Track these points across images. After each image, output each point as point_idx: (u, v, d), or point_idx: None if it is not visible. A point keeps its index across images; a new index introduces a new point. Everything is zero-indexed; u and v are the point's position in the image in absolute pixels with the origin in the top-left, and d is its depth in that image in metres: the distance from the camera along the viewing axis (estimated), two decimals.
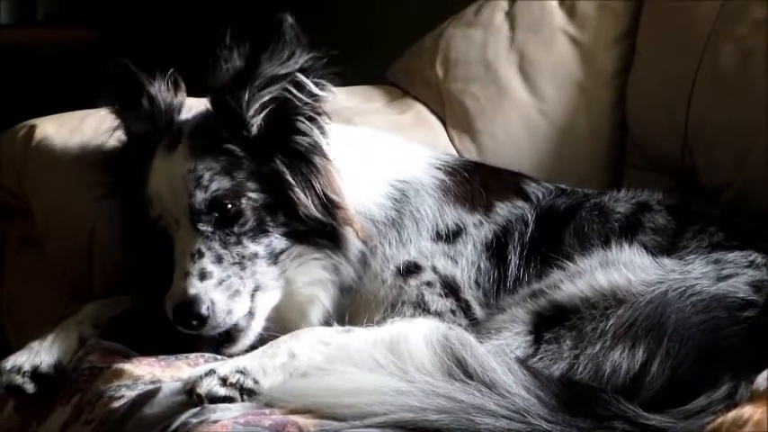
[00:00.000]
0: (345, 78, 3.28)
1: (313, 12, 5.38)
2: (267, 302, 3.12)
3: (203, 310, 2.99)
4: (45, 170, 3.55)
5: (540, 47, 3.93)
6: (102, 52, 6.19)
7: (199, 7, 6.21)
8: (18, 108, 4.09)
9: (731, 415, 2.28)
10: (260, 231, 3.10)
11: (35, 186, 3.57)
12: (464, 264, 3.22)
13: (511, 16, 3.98)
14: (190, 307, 2.99)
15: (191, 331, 3.02)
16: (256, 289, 3.10)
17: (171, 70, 3.29)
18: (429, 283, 3.18)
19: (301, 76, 3.12)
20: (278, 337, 2.99)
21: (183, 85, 3.31)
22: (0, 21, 6.50)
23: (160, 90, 3.27)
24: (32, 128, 3.60)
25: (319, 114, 3.17)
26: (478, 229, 3.27)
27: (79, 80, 5.99)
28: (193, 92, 3.32)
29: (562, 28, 3.94)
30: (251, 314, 3.09)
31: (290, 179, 3.12)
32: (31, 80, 6.38)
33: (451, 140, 3.89)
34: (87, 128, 3.56)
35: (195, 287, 3.01)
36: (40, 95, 5.19)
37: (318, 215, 3.12)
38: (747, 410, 2.27)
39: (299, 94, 3.13)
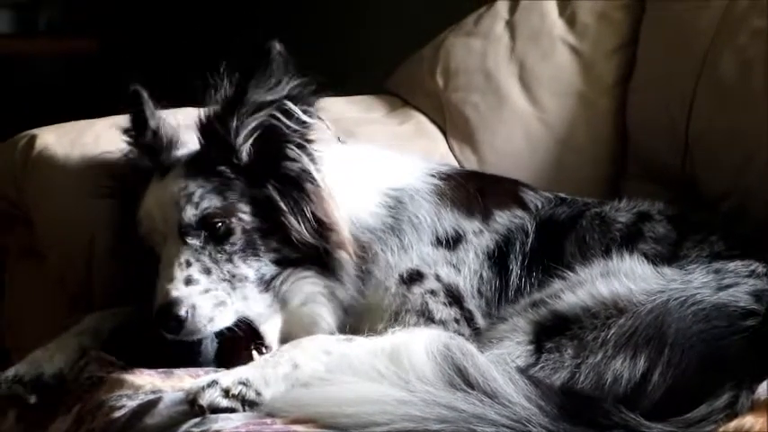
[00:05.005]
0: (343, 90, 3.28)
1: (313, 23, 5.40)
2: (272, 332, 3.13)
3: (182, 313, 2.98)
4: (45, 180, 3.54)
5: (541, 56, 3.94)
6: (103, 62, 6.20)
7: (200, 18, 6.21)
8: (19, 118, 4.09)
9: (732, 425, 2.29)
10: (251, 254, 3.11)
11: (35, 196, 3.57)
12: (467, 272, 3.22)
13: (511, 26, 3.98)
14: (169, 308, 2.99)
15: (172, 335, 3.01)
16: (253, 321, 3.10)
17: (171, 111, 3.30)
18: (433, 292, 3.18)
19: (289, 104, 3.13)
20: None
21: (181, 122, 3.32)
22: (1, 30, 6.50)
23: (162, 125, 3.29)
24: (33, 137, 3.59)
25: (309, 142, 3.18)
26: (479, 238, 3.27)
27: (81, 90, 6.03)
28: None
29: (562, 38, 3.94)
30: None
31: (282, 205, 3.12)
32: (32, 90, 6.38)
33: (452, 150, 3.89)
34: (88, 138, 3.56)
35: (179, 290, 3.00)
36: (41, 105, 5.20)
37: (311, 239, 3.13)
38: (749, 420, 2.28)
39: (287, 122, 3.14)
